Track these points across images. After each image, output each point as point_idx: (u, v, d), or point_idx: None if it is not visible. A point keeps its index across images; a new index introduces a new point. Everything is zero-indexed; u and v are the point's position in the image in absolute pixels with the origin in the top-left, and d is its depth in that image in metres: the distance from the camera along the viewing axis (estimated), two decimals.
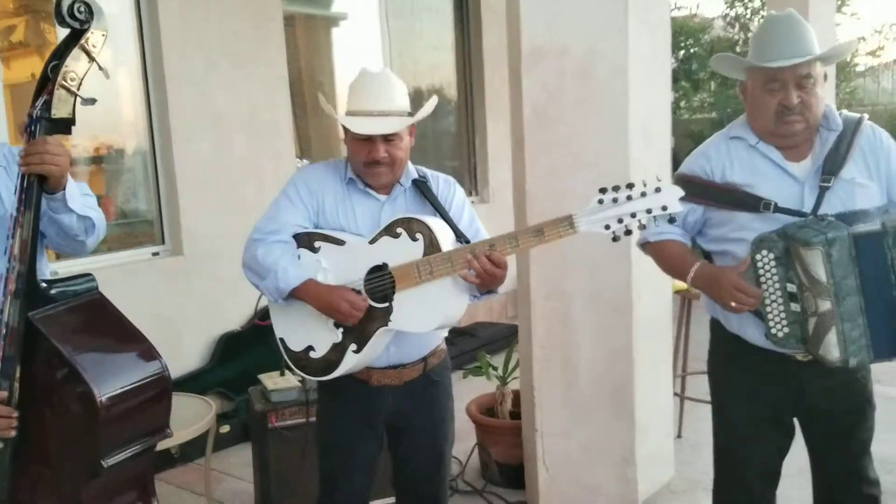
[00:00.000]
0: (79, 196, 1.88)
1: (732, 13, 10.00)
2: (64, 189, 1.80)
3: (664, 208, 1.87)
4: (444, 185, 2.31)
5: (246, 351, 4.41)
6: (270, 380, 3.26)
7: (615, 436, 3.17)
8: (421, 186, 2.25)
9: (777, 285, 2.04)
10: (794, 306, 2.02)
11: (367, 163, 2.15)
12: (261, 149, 4.58)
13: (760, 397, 2.23)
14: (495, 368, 3.69)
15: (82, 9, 1.71)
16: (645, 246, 2.34)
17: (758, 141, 2.15)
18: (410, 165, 2.27)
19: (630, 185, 1.89)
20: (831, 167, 2.07)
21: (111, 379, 1.73)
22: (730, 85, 9.52)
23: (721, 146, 2.21)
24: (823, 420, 2.24)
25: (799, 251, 1.97)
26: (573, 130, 3.01)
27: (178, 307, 4.23)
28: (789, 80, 2.05)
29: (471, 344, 5.27)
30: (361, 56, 5.62)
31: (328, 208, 2.22)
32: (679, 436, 3.88)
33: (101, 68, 1.77)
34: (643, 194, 1.88)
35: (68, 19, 1.71)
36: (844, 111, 2.18)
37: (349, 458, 2.30)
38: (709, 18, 10.06)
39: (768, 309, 2.06)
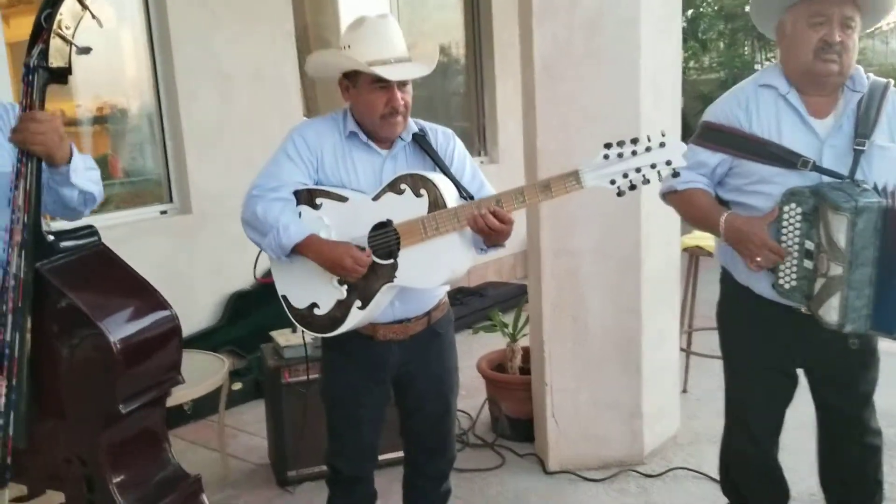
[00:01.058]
0: (83, 170, 1.86)
1: None
2: (68, 164, 1.80)
3: (668, 163, 1.88)
4: (444, 138, 2.29)
5: (257, 309, 4.44)
6: (283, 337, 3.28)
7: (623, 390, 3.20)
8: (420, 141, 2.23)
9: (797, 240, 2.05)
10: (808, 263, 2.04)
11: (386, 114, 2.13)
12: (268, 106, 4.54)
13: (766, 347, 2.26)
14: (506, 325, 3.72)
15: None
16: (669, 195, 2.31)
17: (788, 90, 2.13)
18: (410, 121, 2.25)
19: (635, 140, 1.89)
20: (864, 130, 2.06)
21: (123, 324, 1.75)
22: (738, 45, 9.44)
23: (750, 93, 2.18)
24: (827, 371, 2.27)
25: (827, 213, 1.97)
26: (583, 84, 2.99)
27: (188, 266, 4.26)
28: (835, 17, 2.02)
29: (481, 304, 5.30)
30: (369, 8, 5.56)
31: (328, 163, 2.19)
32: (685, 390, 3.92)
33: (94, 16, 1.75)
34: (648, 149, 1.88)
35: None
36: (872, 74, 2.16)
37: (356, 412, 2.33)
38: None
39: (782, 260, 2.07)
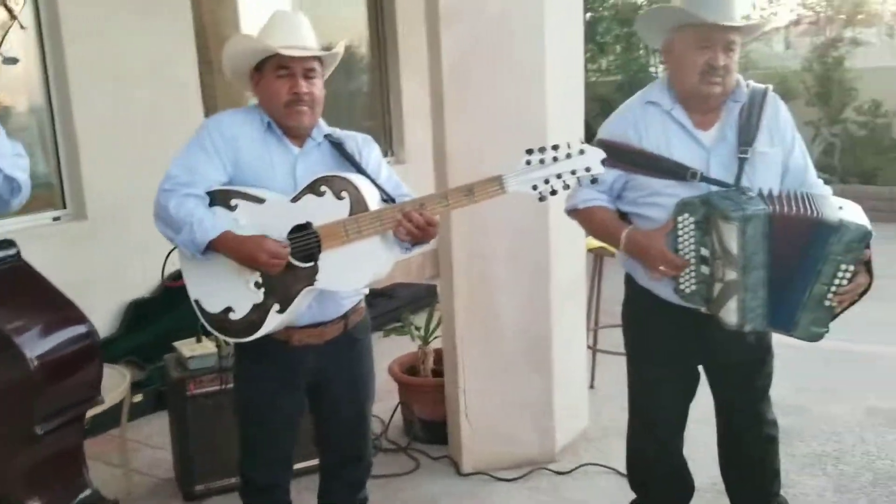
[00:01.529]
0: (10, 155, 1.77)
1: None
2: None
3: (588, 169, 1.94)
4: (363, 143, 2.28)
5: (157, 317, 4.28)
6: (187, 347, 3.18)
7: (535, 389, 3.25)
8: (335, 145, 2.21)
9: (693, 247, 2.14)
10: (704, 269, 2.13)
11: (289, 101, 2.10)
12: (167, 105, 4.38)
13: (669, 347, 2.35)
14: (418, 328, 3.72)
15: None
16: (573, 213, 2.39)
17: (673, 106, 2.22)
18: (322, 122, 2.24)
19: (555, 147, 1.93)
20: (746, 138, 2.17)
21: (41, 341, 1.67)
22: (634, 49, 9.74)
23: (637, 111, 2.27)
24: (727, 367, 2.38)
25: (718, 222, 2.07)
26: (491, 88, 3.02)
27: (84, 274, 4.04)
28: (719, 42, 2.12)
29: (390, 305, 5.27)
30: (269, 11, 5.45)
31: (244, 158, 2.14)
32: (592, 387, 4.02)
33: (22, 27, 1.66)
34: (568, 156, 1.93)
35: None
36: (751, 82, 2.28)
37: (271, 421, 2.28)
38: None
39: None
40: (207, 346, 3.15)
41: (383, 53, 6.35)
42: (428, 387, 3.56)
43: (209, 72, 4.93)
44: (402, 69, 6.31)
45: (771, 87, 2.27)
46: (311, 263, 2.06)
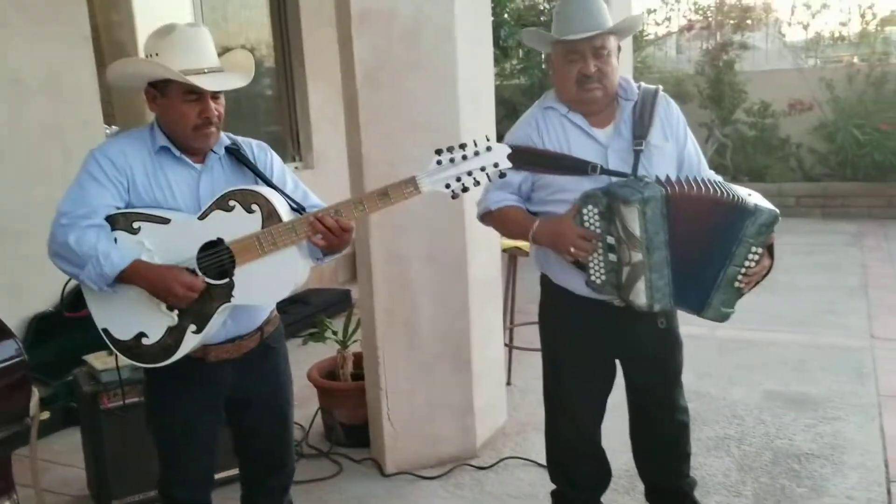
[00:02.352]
0: None
1: None
2: None
3: (496, 165, 2.00)
4: (260, 151, 2.24)
5: (60, 331, 4.13)
6: (99, 360, 3.09)
7: (455, 388, 3.31)
8: (235, 154, 2.17)
9: (599, 236, 2.24)
10: (612, 256, 2.24)
11: (199, 125, 2.04)
12: (65, 114, 4.23)
13: (586, 342, 2.45)
14: (335, 333, 3.72)
15: None
16: (486, 216, 2.47)
17: (567, 110, 2.35)
18: (221, 132, 2.18)
19: (463, 146, 1.99)
20: (640, 132, 2.31)
21: None
22: (537, 53, 9.95)
23: (538, 116, 2.40)
24: (640, 359, 2.50)
25: (619, 207, 2.18)
26: (405, 93, 3.06)
27: None
28: (587, 51, 2.26)
29: (304, 311, 5.24)
30: (168, 14, 5.32)
31: (140, 183, 2.06)
32: (509, 383, 4.11)
33: None
34: (476, 153, 1.99)
35: None
36: (643, 83, 2.42)
37: (191, 439, 2.23)
38: None
39: (590, 258, 2.27)
40: (121, 359, 3.05)
41: (288, 56, 6.26)
42: (348, 391, 3.57)
43: (103, 77, 4.79)
44: (308, 72, 6.25)
45: (661, 87, 2.43)
46: (227, 280, 2.03)
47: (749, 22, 9.05)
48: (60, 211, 2.00)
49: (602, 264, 2.27)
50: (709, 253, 2.21)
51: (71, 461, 3.48)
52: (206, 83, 2.01)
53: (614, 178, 2.27)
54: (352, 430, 3.53)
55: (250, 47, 6.07)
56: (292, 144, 6.36)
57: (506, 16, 10.08)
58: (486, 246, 3.40)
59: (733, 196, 2.20)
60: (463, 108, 3.14)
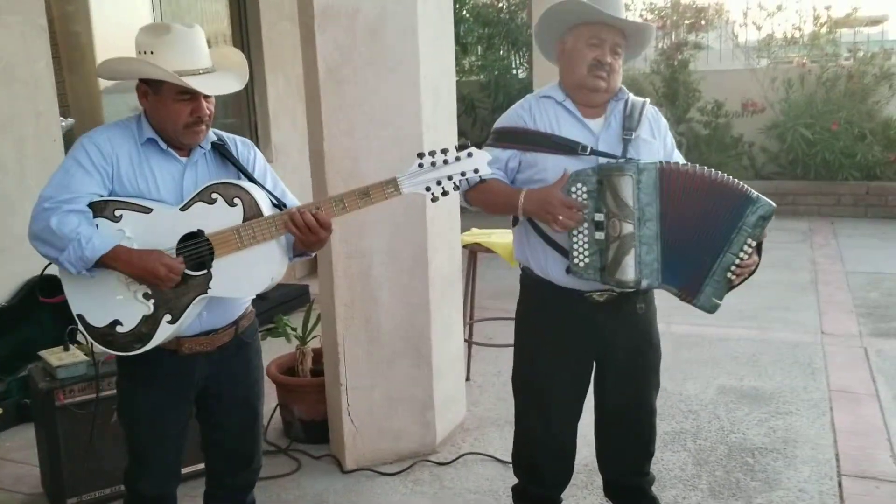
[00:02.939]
0: None
1: None
2: None
3: (476, 171, 2.05)
4: (244, 148, 2.28)
5: (13, 327, 4.05)
6: (54, 356, 3.03)
7: (416, 384, 3.33)
8: (220, 149, 2.20)
9: (586, 216, 2.26)
10: (599, 234, 2.26)
11: (190, 123, 2.07)
12: (19, 106, 4.14)
13: (566, 337, 2.45)
14: (294, 329, 3.71)
15: None
16: (469, 192, 2.44)
17: (564, 98, 2.40)
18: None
19: (445, 150, 2.04)
20: (630, 125, 2.37)
21: None
22: (495, 49, 10.01)
23: (532, 102, 2.45)
24: (617, 357, 2.50)
25: (612, 179, 2.22)
26: (367, 89, 3.06)
27: None
28: (608, 42, 2.32)
29: (262, 306, 5.14)
30: (130, 6, 5.24)
31: (124, 172, 2.08)
32: (468, 379, 4.14)
33: None
34: (457, 158, 2.04)
35: None
36: (630, 93, 2.48)
37: (162, 431, 2.24)
38: None
39: (575, 239, 2.29)
40: (76, 355, 3.03)
41: (246, 48, 6.20)
42: (308, 387, 3.57)
43: (58, 69, 4.69)
44: (266, 65, 6.21)
45: (649, 99, 2.49)
46: (204, 271, 2.05)
47: (703, 23, 9.20)
48: (44, 195, 2.02)
49: (586, 244, 2.28)
50: (705, 235, 2.24)
51: (23, 458, 3.42)
52: (201, 85, 2.03)
53: (602, 161, 2.31)
54: (311, 426, 3.53)
55: (212, 40, 5.99)
56: (251, 137, 6.26)
57: (465, 13, 10.12)
58: (447, 242, 3.42)
59: (734, 181, 2.24)
60: (424, 103, 3.15)
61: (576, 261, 2.30)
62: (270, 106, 6.27)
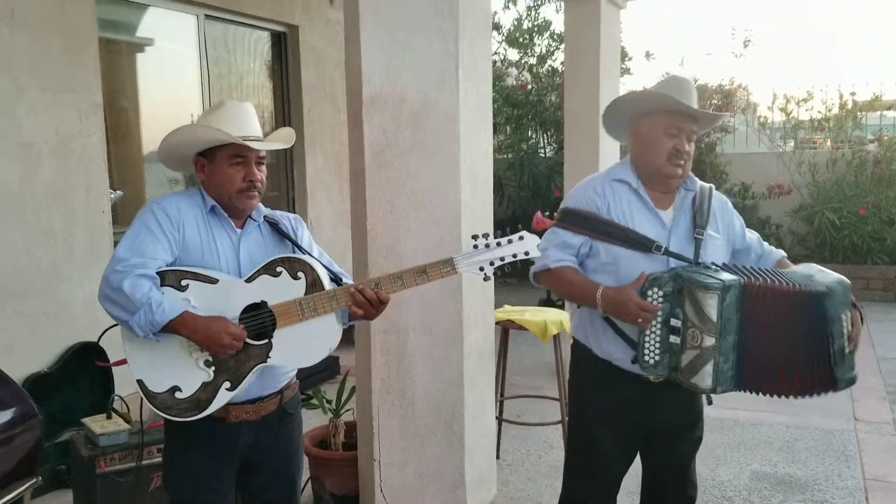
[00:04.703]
0: None
1: (522, 60, 10.78)
2: None
3: (527, 253, 2.18)
4: (295, 223, 2.41)
5: (55, 392, 4.14)
6: (97, 423, 3.11)
7: (448, 461, 3.34)
8: (273, 225, 2.32)
9: (660, 318, 2.32)
10: (674, 338, 2.31)
11: (244, 188, 2.21)
12: (72, 179, 4.33)
13: (622, 415, 2.50)
14: (329, 401, 3.76)
15: None
16: (541, 274, 2.51)
17: (638, 185, 2.46)
18: (259, 203, 2.33)
19: (498, 233, 2.18)
20: (701, 222, 2.43)
21: None
22: (523, 130, 10.25)
23: (606, 186, 2.49)
24: (667, 432, 2.55)
25: (695, 292, 2.25)
26: (409, 172, 3.19)
27: None
28: (685, 130, 2.40)
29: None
30: (178, 83, 5.50)
31: (190, 239, 2.19)
32: (498, 457, 4.14)
33: None
34: (510, 241, 2.17)
35: None
36: (697, 179, 2.55)
37: (206, 499, 2.28)
38: (503, 66, 10.74)
39: (647, 337, 2.34)
40: (118, 423, 3.10)
41: (288, 125, 6.45)
42: (341, 460, 3.59)
43: (106, 141, 4.90)
44: (306, 143, 6.44)
45: (713, 186, 2.57)
46: (266, 341, 2.14)
47: (731, 107, 9.36)
48: (117, 257, 2.10)
49: (658, 345, 2.33)
50: (795, 339, 2.27)
51: None
52: (255, 143, 2.20)
53: (672, 261, 2.36)
54: (342, 500, 3.54)
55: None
56: (288, 210, 6.45)
57: (495, 94, 10.40)
58: (482, 318, 3.49)
59: (801, 286, 2.28)
60: (464, 185, 3.26)
61: (646, 357, 2.34)
62: (308, 181, 6.48)
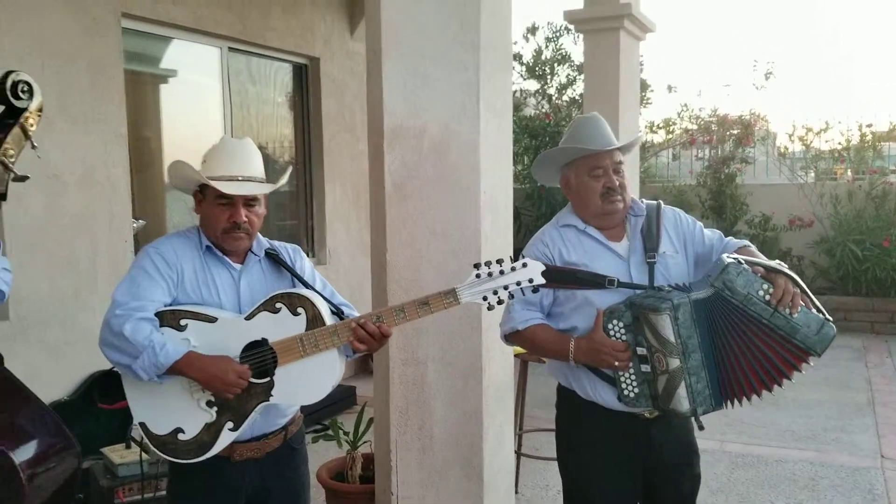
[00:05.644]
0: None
1: (540, 89, 10.84)
2: None
3: (531, 280, 2.14)
4: (294, 254, 2.39)
5: (74, 421, 4.14)
6: (116, 453, 3.11)
7: (466, 495, 3.30)
8: (274, 257, 2.30)
9: (628, 349, 2.30)
10: (645, 367, 2.30)
11: (228, 228, 2.18)
12: (96, 208, 4.39)
13: (615, 455, 2.46)
14: (346, 433, 3.74)
15: (25, 88, 1.68)
16: (513, 336, 2.52)
17: (585, 226, 2.48)
18: (261, 236, 2.32)
19: (500, 261, 2.13)
20: (651, 245, 2.42)
21: (26, 446, 1.65)
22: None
23: (554, 234, 2.52)
24: (664, 469, 2.50)
25: (649, 316, 2.25)
26: (429, 203, 3.19)
27: None
28: (609, 166, 2.42)
29: (309, 407, 5.15)
30: (201, 113, 5.56)
31: (188, 279, 2.18)
32: (517, 491, 4.08)
33: (34, 146, 1.74)
34: (513, 269, 2.13)
35: (12, 98, 1.67)
36: (644, 200, 2.57)
37: None
38: (521, 97, 10.81)
39: (620, 373, 2.32)
40: (137, 453, 3.10)
41: (308, 155, 6.51)
42: (358, 494, 3.57)
43: (135, 171, 4.97)
44: (326, 173, 6.48)
45: (660, 200, 2.57)
46: (267, 379, 2.11)
47: (750, 137, 9.33)
48: (116, 302, 2.10)
49: (633, 377, 2.32)
50: (742, 332, 2.23)
51: None
52: (226, 186, 2.16)
53: (631, 292, 2.35)
54: None
55: (277, 145, 6.32)
56: (307, 240, 6.51)
57: (514, 126, 10.44)
58: (501, 350, 3.46)
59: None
60: (483, 217, 3.26)
61: (626, 392, 2.33)
62: (327, 212, 6.50)
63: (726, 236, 2.56)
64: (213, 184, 2.14)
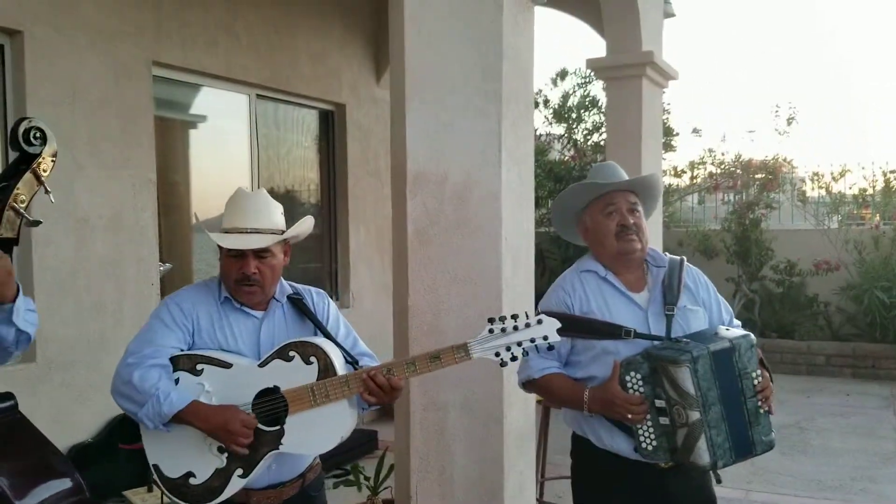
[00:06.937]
0: (24, 311, 1.85)
1: (566, 133, 10.91)
2: (13, 302, 1.80)
3: (545, 338, 2.12)
4: (318, 299, 2.39)
5: (97, 462, 4.17)
6: (138, 496, 3.14)
7: None
8: (297, 303, 2.31)
9: (646, 401, 2.29)
10: (664, 420, 2.28)
11: (238, 280, 2.20)
12: (124, 251, 4.47)
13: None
14: (367, 479, 3.73)
15: (38, 134, 1.74)
16: (529, 384, 2.53)
17: (606, 273, 2.47)
18: (284, 282, 2.34)
19: (515, 316, 2.12)
20: (671, 298, 2.42)
21: (34, 493, 1.67)
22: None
23: (575, 281, 2.51)
24: None
25: (668, 369, 2.24)
26: (451, 249, 3.22)
27: (28, 417, 3.96)
28: (622, 205, 2.44)
29: (330, 452, 5.21)
30: (229, 158, 5.67)
31: (204, 326, 2.20)
32: None
33: (47, 191, 1.79)
34: (527, 325, 2.12)
35: (24, 145, 1.73)
36: (668, 253, 2.58)
37: None
38: (545, 142, 10.89)
39: (638, 424, 2.30)
40: (158, 496, 3.11)
41: (333, 198, 6.59)
42: None
43: (163, 216, 5.06)
44: (350, 217, 6.55)
45: (685, 258, 2.57)
46: (278, 427, 2.12)
47: (775, 182, 9.30)
48: (129, 350, 2.14)
49: (652, 429, 2.30)
50: (731, 399, 2.26)
51: None
52: (228, 241, 2.18)
53: (649, 344, 2.35)
54: None
55: (302, 188, 6.41)
56: (330, 283, 6.55)
57: (538, 169, 10.51)
58: (522, 396, 3.44)
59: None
60: (505, 263, 3.28)
61: (643, 444, 2.32)
62: (351, 254, 6.56)
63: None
64: (213, 237, 2.19)
